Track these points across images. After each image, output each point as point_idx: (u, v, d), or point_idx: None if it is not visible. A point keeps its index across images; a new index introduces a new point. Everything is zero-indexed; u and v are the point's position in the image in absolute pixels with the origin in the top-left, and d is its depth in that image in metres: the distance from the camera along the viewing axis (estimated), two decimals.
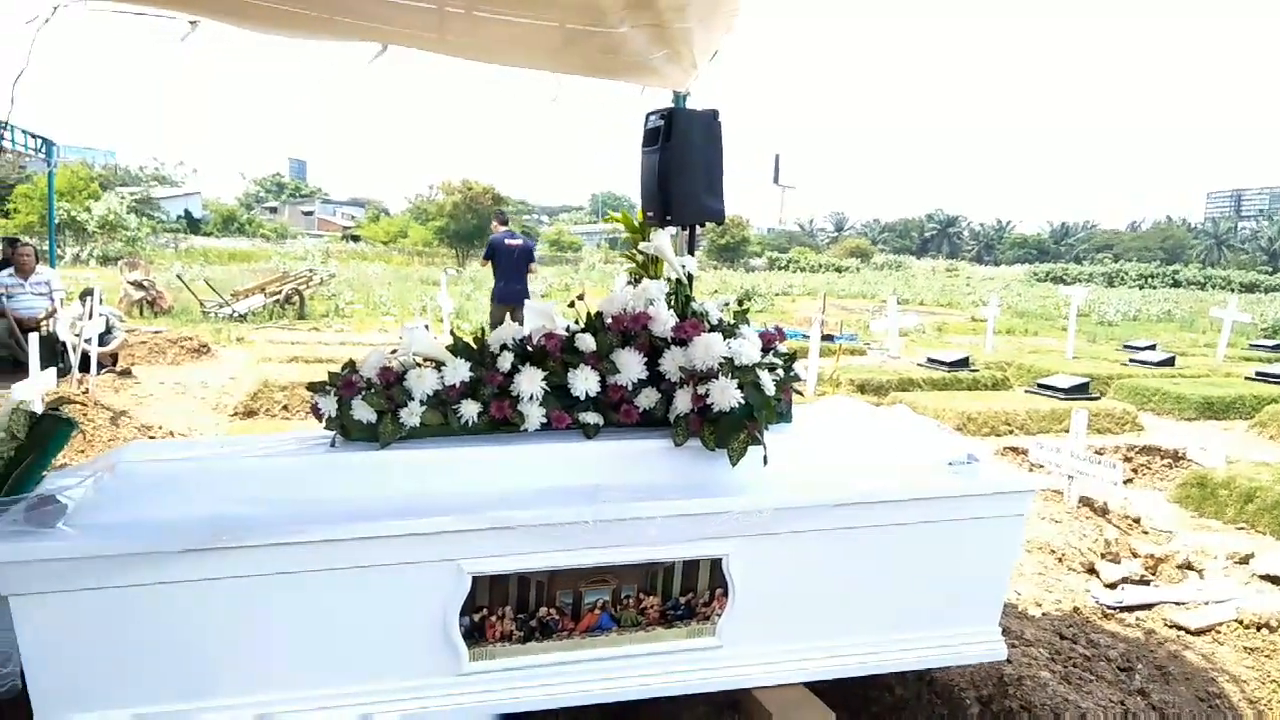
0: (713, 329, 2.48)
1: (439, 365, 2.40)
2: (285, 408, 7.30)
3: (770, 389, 2.34)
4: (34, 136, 10.11)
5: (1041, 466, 5.27)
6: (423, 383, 2.34)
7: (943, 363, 10.19)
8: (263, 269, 22.88)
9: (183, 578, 2.00)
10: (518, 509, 2.14)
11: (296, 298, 15.94)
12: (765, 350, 2.51)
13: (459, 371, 2.38)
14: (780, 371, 2.48)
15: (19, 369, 7.64)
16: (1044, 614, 3.62)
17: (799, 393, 2.74)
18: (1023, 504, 2.57)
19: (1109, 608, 3.75)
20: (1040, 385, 9.10)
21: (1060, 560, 4.28)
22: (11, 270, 8.66)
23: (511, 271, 9.46)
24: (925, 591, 2.51)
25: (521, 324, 2.54)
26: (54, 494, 2.06)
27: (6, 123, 9.04)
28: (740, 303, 2.67)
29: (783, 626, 2.42)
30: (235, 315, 14.69)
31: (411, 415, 2.30)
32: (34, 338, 6.62)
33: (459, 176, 37.87)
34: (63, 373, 7.41)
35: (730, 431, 2.30)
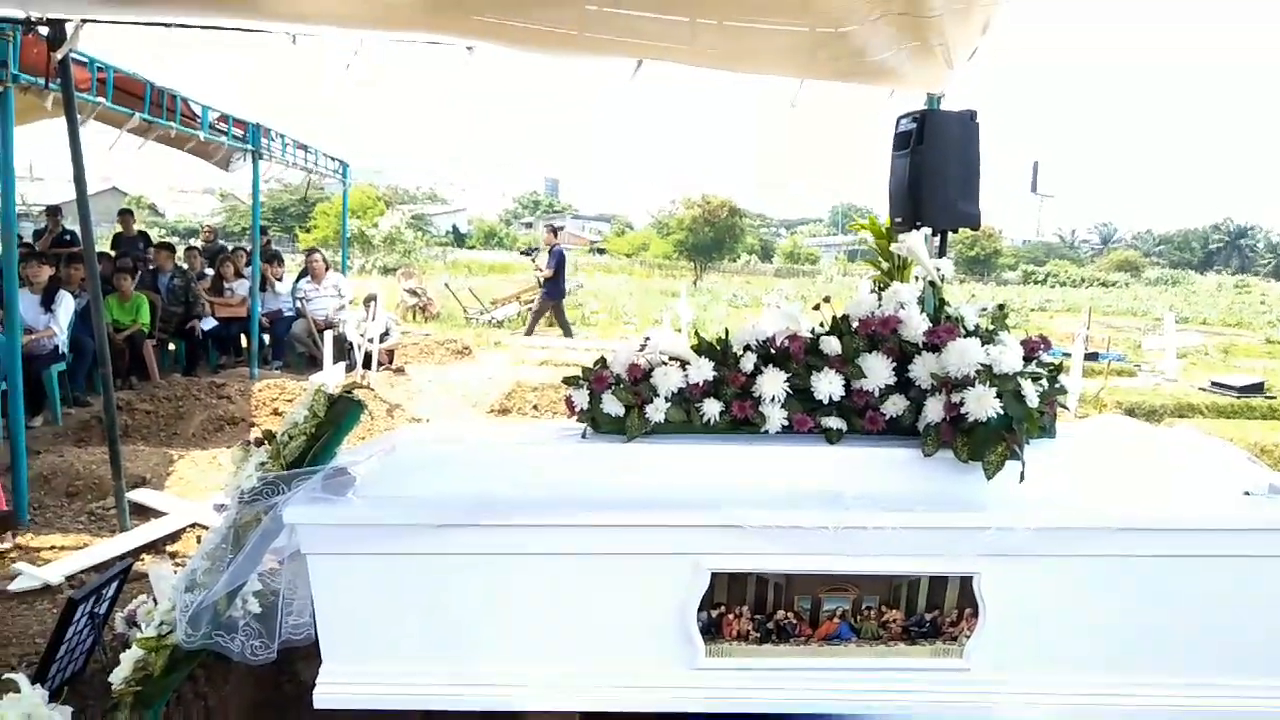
0: (969, 335, 2.35)
1: (684, 364, 2.46)
2: (535, 407, 7.76)
3: (1033, 400, 2.18)
4: (332, 159, 11.43)
5: None
6: (668, 380, 2.40)
7: (1231, 387, 9.06)
8: (518, 280, 24.45)
9: (445, 550, 2.17)
10: (758, 509, 2.14)
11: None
12: (1028, 359, 2.34)
13: (703, 370, 2.42)
14: (1044, 382, 2.31)
15: (313, 365, 8.69)
16: None
17: (1064, 406, 2.54)
18: None
19: None
20: None
21: None
22: (309, 277, 9.87)
23: (561, 273, 12.89)
24: (1213, 634, 2.23)
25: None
26: (346, 467, 2.31)
27: (313, 147, 10.30)
28: (1000, 307, 2.51)
29: (1039, 656, 2.24)
30: (493, 321, 15.83)
31: (657, 411, 2.36)
32: (328, 335, 7.50)
33: (700, 191, 38.54)
34: (349, 368, 8.33)
35: (986, 443, 2.16)
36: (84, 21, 3.94)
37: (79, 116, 4.58)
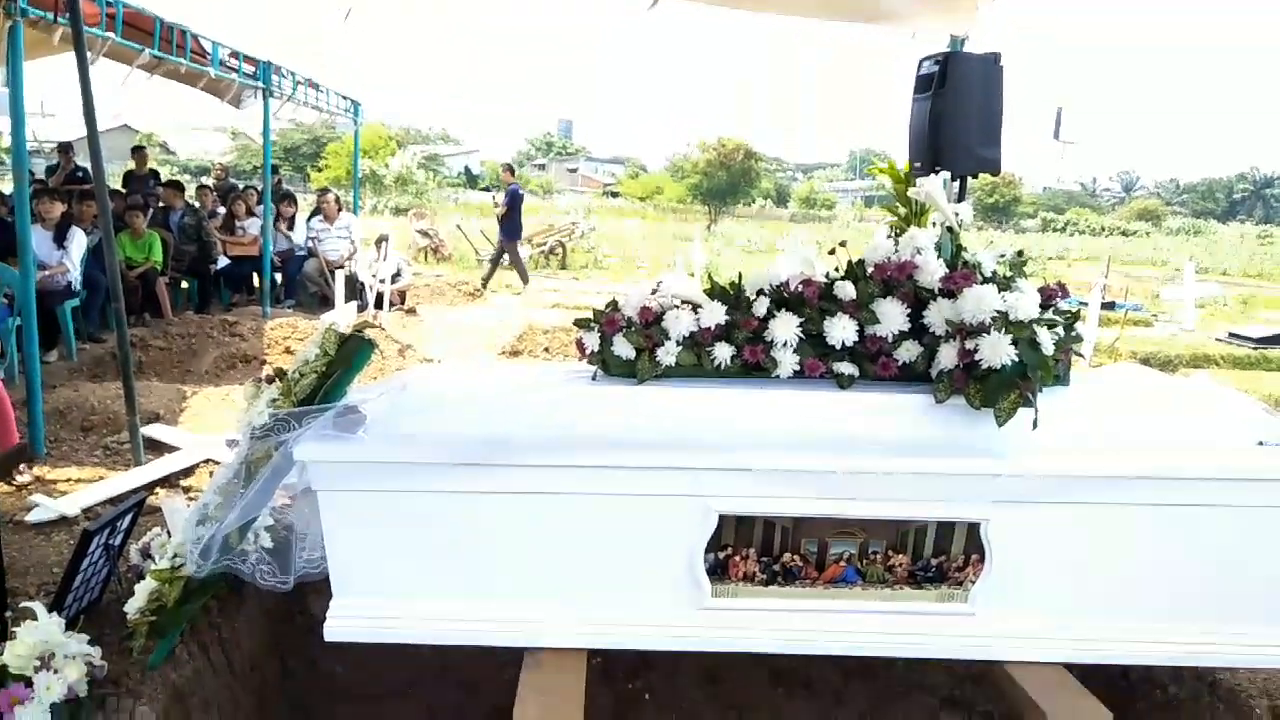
0: (986, 281, 2.31)
1: (696, 308, 2.43)
2: (546, 349, 7.76)
3: (1048, 347, 2.16)
4: (344, 98, 11.26)
5: None
6: (679, 324, 2.38)
7: (1249, 339, 8.99)
8: (530, 222, 24.28)
9: (456, 488, 2.19)
10: (768, 452, 2.14)
11: (560, 249, 16.85)
12: (1044, 306, 2.31)
13: (714, 314, 2.40)
14: (1060, 330, 2.28)
15: (325, 304, 8.70)
16: None
17: (1079, 355, 2.51)
18: None
19: None
20: None
21: None
22: (321, 217, 9.83)
23: (519, 214, 12.72)
24: (1218, 582, 2.23)
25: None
26: (356, 405, 2.31)
27: (322, 85, 10.16)
28: (1019, 254, 2.47)
29: (1044, 602, 2.26)
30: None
31: (668, 354, 2.35)
32: (339, 275, 7.49)
33: (716, 134, 38.01)
34: (360, 308, 8.33)
35: (999, 390, 2.15)
36: None
37: (88, 53, 4.51)
